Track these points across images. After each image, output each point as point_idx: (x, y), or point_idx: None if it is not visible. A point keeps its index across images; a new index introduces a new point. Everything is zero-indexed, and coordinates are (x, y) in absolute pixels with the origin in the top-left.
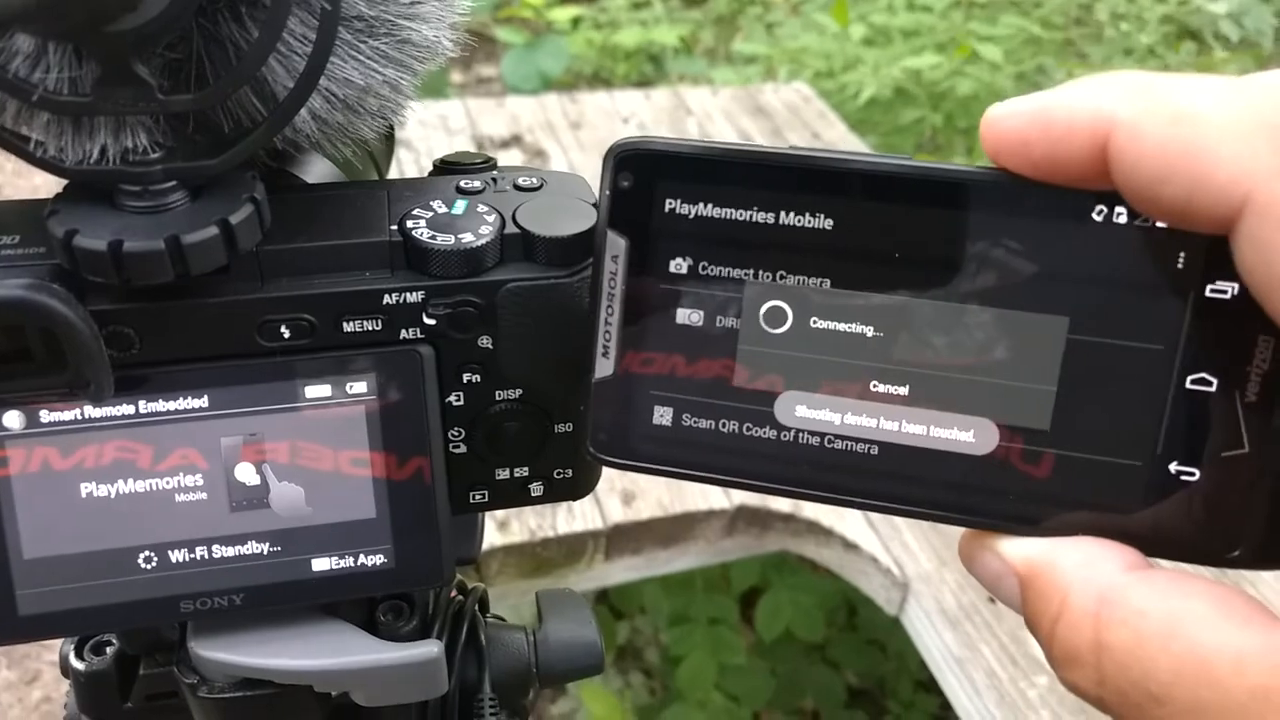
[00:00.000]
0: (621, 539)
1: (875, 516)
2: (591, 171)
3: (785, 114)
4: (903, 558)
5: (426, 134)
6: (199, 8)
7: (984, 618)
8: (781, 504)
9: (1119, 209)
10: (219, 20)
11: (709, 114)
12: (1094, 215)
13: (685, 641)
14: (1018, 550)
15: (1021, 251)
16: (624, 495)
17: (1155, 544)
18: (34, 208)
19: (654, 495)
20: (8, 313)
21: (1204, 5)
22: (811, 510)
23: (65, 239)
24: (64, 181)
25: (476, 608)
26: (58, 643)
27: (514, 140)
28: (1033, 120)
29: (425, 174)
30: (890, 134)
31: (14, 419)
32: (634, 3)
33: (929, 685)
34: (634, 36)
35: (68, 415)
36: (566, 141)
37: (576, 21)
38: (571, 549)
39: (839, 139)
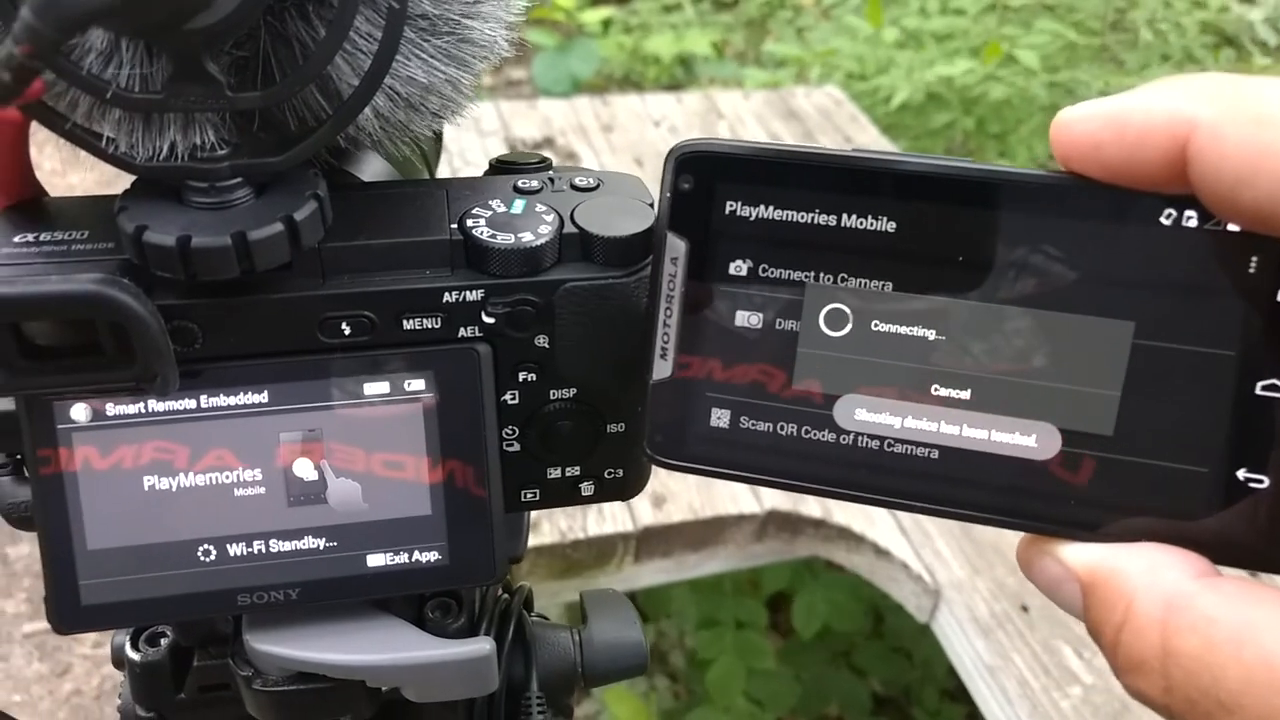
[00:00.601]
0: (652, 541)
1: (907, 523)
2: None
3: (817, 117)
4: (934, 565)
5: (459, 135)
6: (267, 6)
7: (1016, 626)
8: (812, 509)
9: (1189, 212)
10: (286, 18)
11: (740, 117)
12: (1162, 219)
13: (714, 645)
14: (1080, 556)
15: (1087, 255)
16: (654, 498)
17: (1220, 551)
18: (100, 204)
19: (684, 498)
20: (81, 307)
21: (1242, 13)
22: (842, 515)
23: (135, 234)
24: (100, 179)
25: (522, 607)
26: (89, 638)
27: (546, 142)
28: (1107, 123)
29: (458, 174)
30: (921, 137)
31: (80, 412)
32: (664, 6)
33: (955, 694)
34: (667, 45)
35: (132, 409)
36: (598, 144)
37: (607, 24)
38: (602, 551)
39: (871, 142)
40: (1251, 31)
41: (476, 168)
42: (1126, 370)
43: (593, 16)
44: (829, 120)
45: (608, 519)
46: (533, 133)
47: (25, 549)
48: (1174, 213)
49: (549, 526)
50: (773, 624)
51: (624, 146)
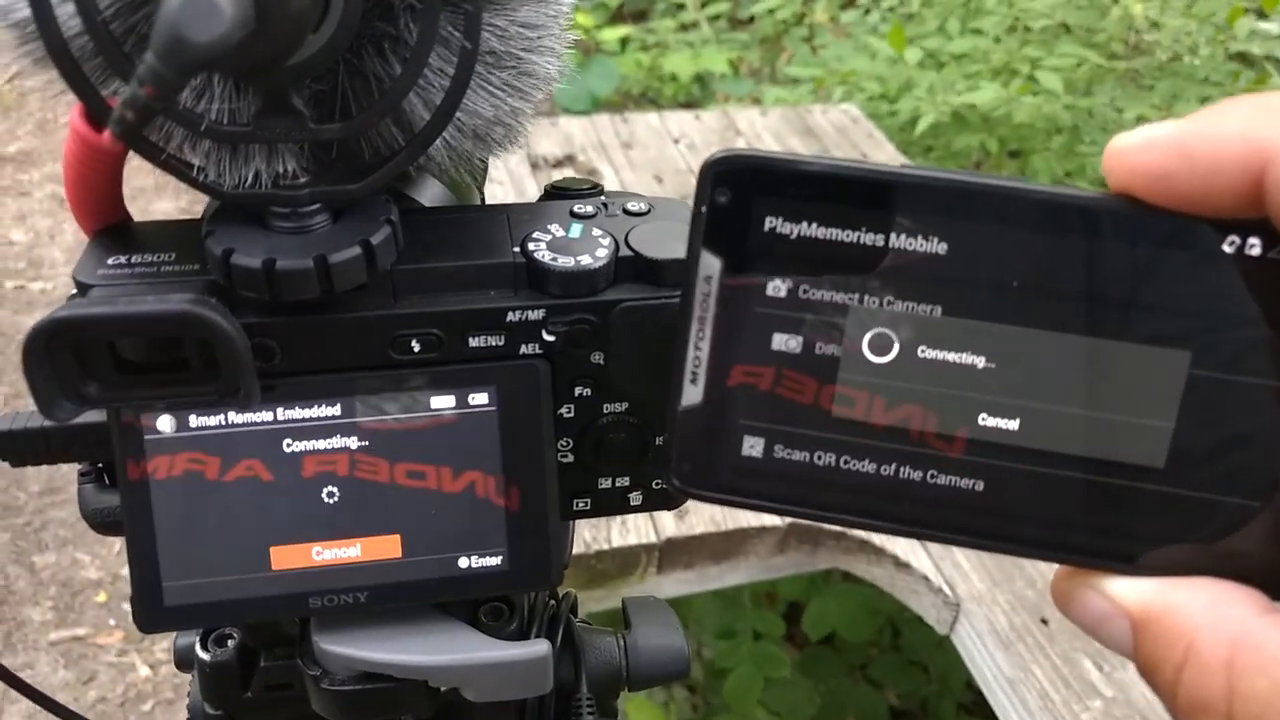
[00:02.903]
0: (674, 553)
1: None
2: (644, 191)
3: (834, 135)
4: (954, 578)
5: None
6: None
7: (1036, 639)
8: None
9: (1252, 240)
10: (363, 55)
11: (758, 134)
12: (1225, 246)
13: (732, 655)
14: (1131, 591)
15: (1144, 282)
16: (677, 510)
17: (1271, 586)
18: (183, 227)
19: (707, 511)
20: (175, 325)
21: (1260, 28)
22: (889, 536)
23: (223, 257)
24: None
25: (569, 612)
26: (113, 645)
27: (567, 160)
28: (1172, 151)
29: (482, 191)
30: (944, 158)
31: (166, 423)
32: (681, 23)
33: (972, 708)
34: (685, 64)
35: (213, 421)
36: (618, 161)
37: (625, 42)
38: (625, 562)
39: (888, 160)
40: (1269, 50)
41: (500, 185)
42: (1181, 401)
43: (611, 35)
44: (845, 137)
45: (631, 530)
46: (554, 150)
47: (51, 558)
48: (1238, 240)
49: (574, 538)
50: (789, 636)
51: (644, 163)
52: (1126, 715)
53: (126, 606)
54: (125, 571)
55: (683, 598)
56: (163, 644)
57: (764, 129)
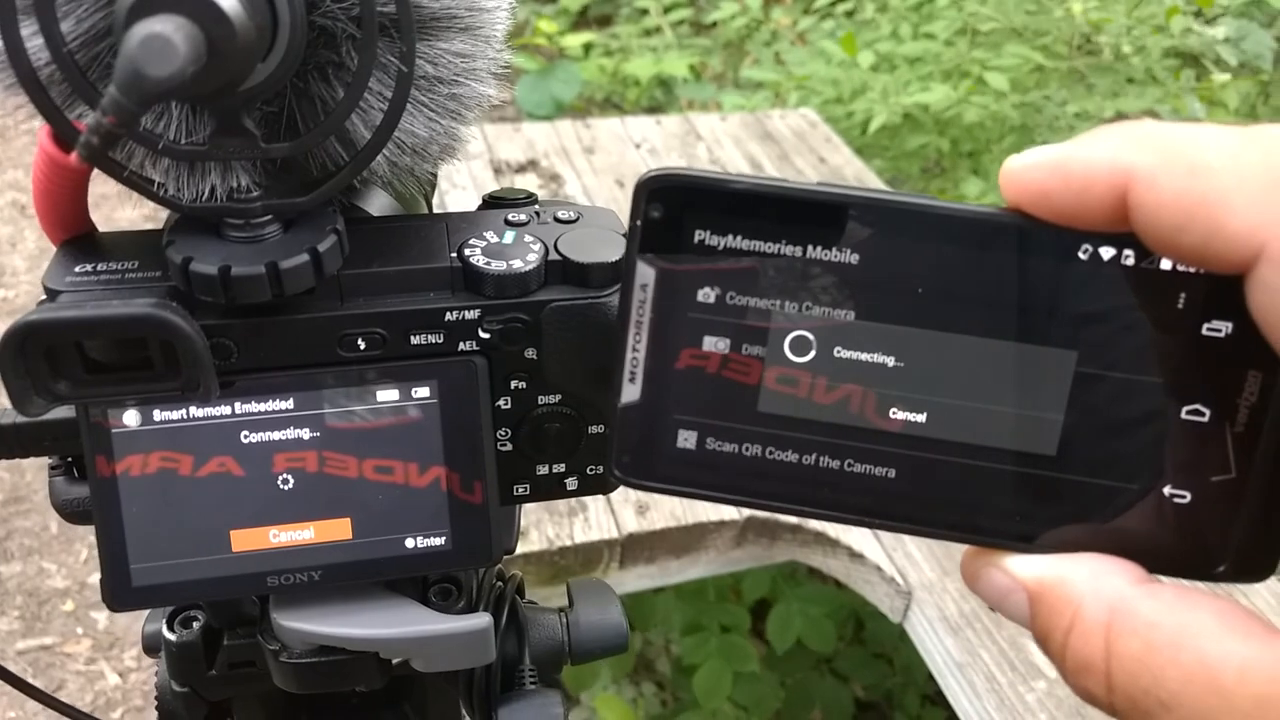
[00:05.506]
0: (636, 548)
1: None
2: (605, 195)
3: (792, 139)
4: (906, 567)
5: None
6: (295, 70)
7: (984, 624)
8: (789, 515)
9: (1127, 251)
10: (309, 80)
11: (718, 139)
12: (1104, 257)
13: (699, 650)
14: (1027, 568)
15: (1036, 289)
16: (638, 506)
17: (1149, 560)
18: (146, 238)
19: (667, 506)
20: (139, 327)
21: (1203, 30)
22: (818, 521)
23: (183, 265)
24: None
25: (515, 593)
26: (82, 654)
27: (530, 165)
28: (1052, 172)
29: (447, 195)
30: (897, 159)
31: (132, 417)
32: (644, 29)
33: (935, 698)
34: (646, 68)
35: (175, 415)
36: (580, 166)
37: (588, 48)
38: (588, 557)
39: (844, 163)
40: (1213, 51)
41: (463, 190)
42: (1069, 396)
43: (574, 40)
44: (804, 141)
45: (594, 526)
46: (517, 155)
47: (17, 567)
48: (1114, 251)
49: (537, 535)
50: (755, 630)
51: (605, 168)
52: (1068, 695)
53: (94, 615)
54: (92, 580)
55: (647, 593)
56: (131, 651)
57: (724, 134)
